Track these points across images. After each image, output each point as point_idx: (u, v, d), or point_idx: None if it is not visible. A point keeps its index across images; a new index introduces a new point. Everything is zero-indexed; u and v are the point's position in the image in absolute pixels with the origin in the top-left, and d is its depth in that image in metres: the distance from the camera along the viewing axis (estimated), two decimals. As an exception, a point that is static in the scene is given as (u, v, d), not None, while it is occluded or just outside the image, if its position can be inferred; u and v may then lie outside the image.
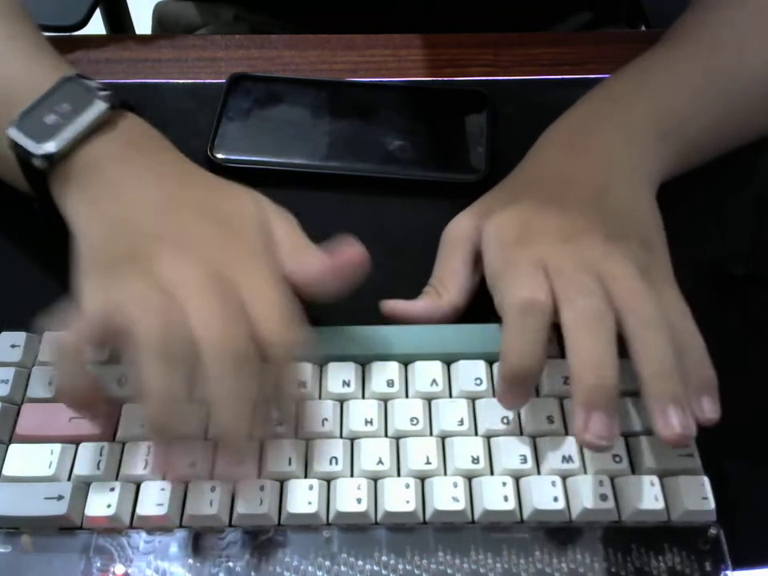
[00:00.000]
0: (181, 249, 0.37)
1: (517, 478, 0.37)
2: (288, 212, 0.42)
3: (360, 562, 0.35)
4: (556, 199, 0.42)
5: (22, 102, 0.42)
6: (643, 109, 0.47)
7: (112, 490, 0.36)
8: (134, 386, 0.34)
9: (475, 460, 0.37)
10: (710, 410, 0.36)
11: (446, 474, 0.37)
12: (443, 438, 0.38)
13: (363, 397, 0.40)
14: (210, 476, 0.37)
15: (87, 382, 0.36)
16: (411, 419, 0.38)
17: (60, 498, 0.36)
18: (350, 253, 0.39)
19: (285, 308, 0.36)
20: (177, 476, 0.37)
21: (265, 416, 0.37)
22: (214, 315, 0.35)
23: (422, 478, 0.37)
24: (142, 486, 0.37)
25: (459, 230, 0.43)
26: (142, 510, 0.36)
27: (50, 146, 0.41)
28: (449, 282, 0.42)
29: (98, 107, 0.42)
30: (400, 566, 0.35)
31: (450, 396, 0.40)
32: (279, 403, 0.37)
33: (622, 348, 0.36)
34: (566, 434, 0.38)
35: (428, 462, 0.37)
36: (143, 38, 0.61)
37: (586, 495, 0.36)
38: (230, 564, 0.35)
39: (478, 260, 0.43)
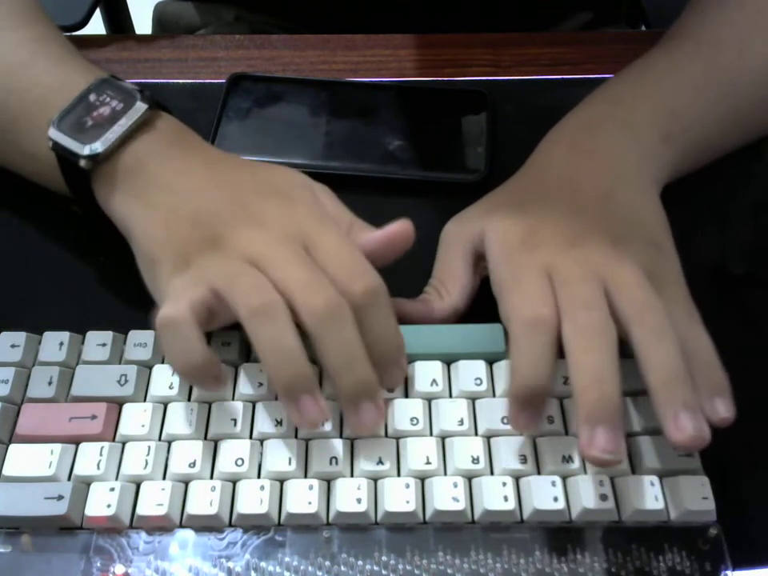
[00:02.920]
0: (250, 224, 0.38)
1: (517, 477, 0.37)
2: (326, 186, 0.43)
3: (360, 562, 0.35)
4: (561, 203, 0.42)
5: (56, 105, 0.42)
6: (646, 110, 0.47)
7: (112, 490, 0.36)
8: (259, 356, 0.36)
9: (475, 460, 0.37)
10: (724, 410, 0.36)
11: (446, 474, 0.37)
12: (443, 438, 0.38)
13: (363, 397, 0.40)
14: (211, 475, 0.37)
15: (207, 355, 0.36)
16: (411, 419, 0.38)
17: (60, 498, 0.36)
18: (394, 230, 0.40)
19: (358, 258, 0.38)
20: (311, 425, 0.37)
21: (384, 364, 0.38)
22: (303, 281, 0.36)
23: (422, 478, 0.37)
24: (142, 486, 0.37)
25: (460, 231, 0.43)
26: (141, 510, 0.36)
27: (96, 147, 0.41)
28: (450, 283, 0.42)
29: (139, 107, 0.42)
30: (400, 566, 0.35)
31: (450, 396, 0.40)
32: (380, 344, 0.37)
33: (625, 349, 0.36)
34: (566, 434, 0.38)
35: (428, 462, 0.37)
36: (143, 38, 0.61)
37: (585, 495, 0.36)
38: (230, 564, 0.35)
39: (478, 261, 0.43)
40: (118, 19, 0.89)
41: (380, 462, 0.37)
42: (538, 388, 0.36)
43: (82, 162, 0.41)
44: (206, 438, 0.38)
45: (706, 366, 0.37)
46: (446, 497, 0.36)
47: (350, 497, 0.36)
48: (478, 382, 0.39)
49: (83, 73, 0.44)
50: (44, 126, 0.42)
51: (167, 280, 0.38)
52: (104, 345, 0.41)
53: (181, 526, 0.36)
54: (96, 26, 0.78)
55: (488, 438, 0.38)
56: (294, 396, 0.36)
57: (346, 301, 0.36)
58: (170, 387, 0.39)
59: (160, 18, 0.78)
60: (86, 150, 0.41)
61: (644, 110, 0.47)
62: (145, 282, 0.40)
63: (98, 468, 0.37)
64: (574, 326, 0.36)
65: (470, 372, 0.40)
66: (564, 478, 0.37)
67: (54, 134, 0.41)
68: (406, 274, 0.44)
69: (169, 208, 0.40)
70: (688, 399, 0.35)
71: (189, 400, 0.39)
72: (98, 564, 0.35)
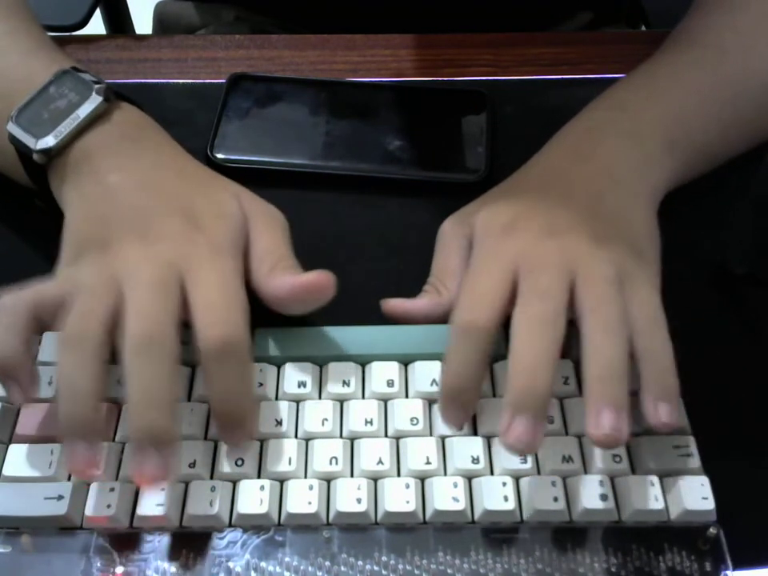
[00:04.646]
0: (140, 238, 0.38)
1: (517, 478, 0.37)
2: (280, 216, 0.42)
3: (360, 562, 0.35)
4: (550, 197, 0.42)
5: (20, 97, 0.42)
6: (650, 118, 0.47)
7: (112, 490, 0.36)
8: (58, 383, 0.35)
9: (475, 460, 0.37)
10: (666, 414, 0.36)
11: (445, 474, 0.37)
12: (443, 437, 0.38)
13: (363, 397, 0.40)
14: (211, 475, 0.37)
15: (15, 345, 0.36)
16: (411, 419, 0.38)
17: (60, 498, 0.36)
18: (316, 279, 0.38)
19: (233, 307, 0.36)
20: (76, 473, 0.36)
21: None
22: (141, 306, 0.35)
23: (422, 478, 0.37)
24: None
25: (456, 228, 0.43)
26: (141, 510, 0.36)
27: (49, 141, 0.41)
28: (448, 280, 0.42)
29: (93, 100, 0.42)
30: (400, 566, 0.35)
31: (450, 396, 0.40)
32: (214, 405, 0.36)
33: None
34: (566, 434, 0.38)
35: (428, 462, 0.37)
36: (143, 38, 0.61)
37: (585, 495, 0.36)
38: (230, 564, 0.35)
39: None
40: (118, 19, 0.89)
41: (380, 461, 0.37)
42: (463, 389, 0.37)
43: (35, 156, 0.41)
44: (206, 438, 0.38)
45: (658, 370, 0.36)
46: (446, 497, 0.36)
47: (350, 497, 0.36)
48: (478, 381, 0.39)
49: (49, 65, 0.44)
50: (7, 119, 0.42)
51: (60, 267, 0.39)
52: (104, 345, 0.41)
53: (181, 525, 0.36)
54: (96, 26, 0.78)
55: (488, 437, 0.38)
56: (69, 437, 0.35)
57: (169, 339, 0.34)
58: (170, 387, 0.39)
59: (160, 18, 0.78)
60: (38, 144, 0.41)
61: (648, 118, 0.47)
62: None
63: (98, 468, 0.37)
64: (525, 312, 0.37)
65: (470, 372, 0.40)
66: (564, 478, 0.37)
67: (12, 127, 0.42)
68: (406, 274, 0.44)
69: (91, 202, 0.40)
70: (617, 398, 0.35)
71: (189, 400, 0.39)
72: (98, 564, 0.35)
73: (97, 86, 0.43)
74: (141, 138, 0.43)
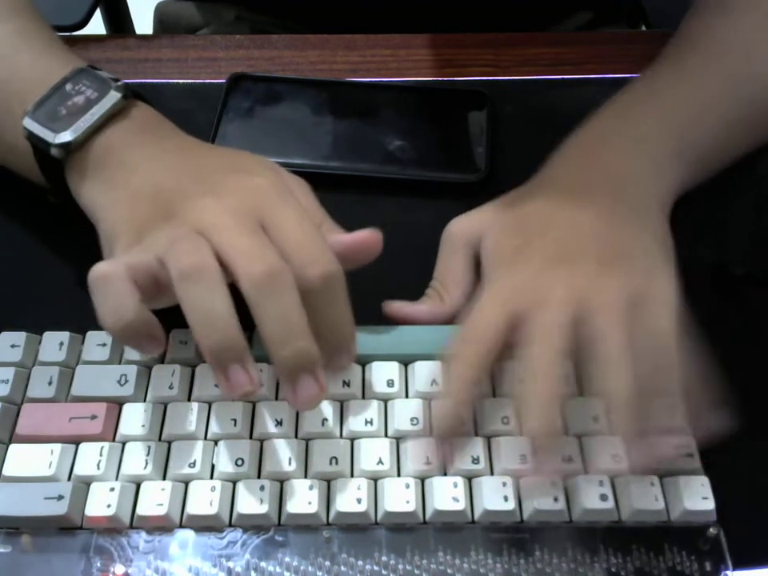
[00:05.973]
0: (205, 196, 0.38)
1: (517, 478, 0.37)
2: (303, 181, 0.42)
3: (360, 562, 0.35)
4: (559, 216, 0.42)
5: (31, 96, 0.42)
6: (656, 126, 0.46)
7: (112, 490, 0.36)
8: (187, 320, 0.34)
9: (475, 460, 0.37)
10: (677, 446, 0.37)
11: (445, 474, 0.37)
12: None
13: (363, 397, 0.40)
14: (211, 475, 0.37)
15: (139, 312, 0.35)
16: (411, 419, 0.38)
17: (60, 498, 0.36)
18: (362, 236, 0.39)
19: (318, 240, 0.37)
20: (241, 395, 0.35)
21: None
22: (245, 247, 0.35)
23: (422, 478, 0.37)
24: (142, 486, 0.37)
25: (461, 233, 0.43)
26: (141, 510, 0.36)
27: (67, 136, 0.41)
28: (451, 285, 0.42)
29: (112, 97, 0.42)
30: (400, 566, 0.35)
31: (450, 396, 0.40)
32: (332, 331, 0.37)
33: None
34: (567, 434, 0.38)
35: (428, 462, 0.37)
36: (143, 38, 0.61)
37: (585, 495, 0.36)
38: (230, 564, 0.35)
39: (479, 263, 0.43)
40: (118, 19, 0.89)
41: (380, 461, 0.37)
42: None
43: (53, 151, 0.41)
44: (205, 438, 0.38)
45: (667, 408, 0.36)
46: (446, 497, 0.36)
47: (350, 497, 0.36)
48: (478, 382, 0.39)
49: (63, 64, 0.44)
50: (22, 116, 0.42)
51: (120, 255, 0.38)
52: (104, 345, 0.41)
53: (181, 526, 0.36)
54: (96, 26, 0.78)
55: (488, 437, 0.38)
56: (221, 364, 0.34)
57: (285, 269, 0.35)
58: (170, 387, 0.39)
59: (161, 18, 0.78)
60: (57, 139, 0.41)
61: (653, 125, 0.46)
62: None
63: (98, 468, 0.37)
64: (526, 356, 0.37)
65: (470, 372, 0.40)
66: (564, 478, 0.37)
67: (28, 123, 0.42)
68: (407, 274, 0.44)
69: (133, 188, 0.40)
70: (633, 429, 0.35)
71: (189, 400, 0.39)
72: (98, 564, 0.35)
73: (114, 83, 0.43)
74: (158, 130, 0.44)
